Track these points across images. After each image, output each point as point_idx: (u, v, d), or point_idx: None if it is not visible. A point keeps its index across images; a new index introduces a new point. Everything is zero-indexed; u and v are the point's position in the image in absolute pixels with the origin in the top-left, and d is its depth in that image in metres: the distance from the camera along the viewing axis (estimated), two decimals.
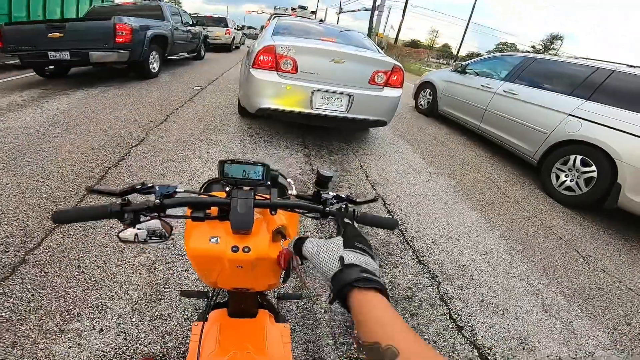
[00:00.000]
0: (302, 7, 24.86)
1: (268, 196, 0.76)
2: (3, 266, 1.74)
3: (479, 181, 3.93)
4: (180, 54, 8.81)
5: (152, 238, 0.70)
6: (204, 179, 2.86)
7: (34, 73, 6.21)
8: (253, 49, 3.85)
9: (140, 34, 6.10)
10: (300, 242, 0.64)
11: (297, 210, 0.76)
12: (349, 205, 0.76)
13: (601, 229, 3.34)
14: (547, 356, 1.75)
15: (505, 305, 2.05)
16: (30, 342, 1.40)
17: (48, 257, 1.84)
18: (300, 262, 0.69)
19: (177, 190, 0.71)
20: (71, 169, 2.79)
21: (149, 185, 0.69)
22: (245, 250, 0.68)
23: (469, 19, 29.75)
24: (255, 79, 3.50)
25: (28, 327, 1.45)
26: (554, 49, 49.20)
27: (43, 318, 1.50)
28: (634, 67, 3.97)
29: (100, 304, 1.60)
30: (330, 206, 0.75)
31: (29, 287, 1.64)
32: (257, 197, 0.71)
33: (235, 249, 0.68)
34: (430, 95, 7.04)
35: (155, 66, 6.96)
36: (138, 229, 0.68)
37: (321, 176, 0.76)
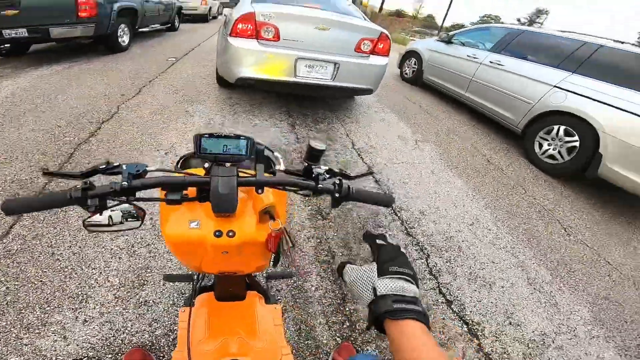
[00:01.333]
0: None
1: (253, 172, 0.66)
2: None
3: (465, 149, 3.86)
4: (152, 26, 8.26)
5: (123, 223, 0.62)
6: (182, 152, 2.64)
7: None
8: (230, 16, 3.56)
9: (106, 6, 5.51)
10: (341, 266, 0.59)
11: (286, 187, 0.68)
12: (343, 180, 0.68)
13: (581, 198, 3.35)
14: (532, 331, 1.72)
15: (492, 278, 2.01)
16: (13, 338, 1.29)
17: (19, 246, 1.65)
18: (291, 244, 0.61)
19: (147, 169, 0.62)
20: (36, 148, 2.49)
21: (114, 164, 0.60)
22: (230, 234, 0.61)
23: None
24: (233, 47, 3.26)
25: (8, 322, 1.33)
26: (539, 23, 49.02)
27: (23, 312, 1.38)
28: (622, 42, 3.95)
29: (80, 293, 1.47)
30: (322, 182, 0.66)
31: (2, 279, 1.48)
32: (240, 174, 0.62)
33: (218, 234, 0.61)
34: (415, 64, 6.87)
35: (125, 39, 6.40)
36: (110, 212, 0.60)
37: (312, 149, 0.67)
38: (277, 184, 0.66)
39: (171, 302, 1.47)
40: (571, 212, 3.02)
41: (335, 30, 3.40)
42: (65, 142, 2.60)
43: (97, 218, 0.59)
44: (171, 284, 1.55)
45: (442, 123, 4.63)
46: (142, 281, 1.55)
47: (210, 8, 15.46)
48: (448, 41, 6.10)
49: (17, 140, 2.57)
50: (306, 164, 0.69)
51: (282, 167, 0.77)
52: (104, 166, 0.59)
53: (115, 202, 0.58)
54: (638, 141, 3.05)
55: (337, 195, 0.66)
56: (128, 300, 1.46)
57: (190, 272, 1.28)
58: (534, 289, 2.01)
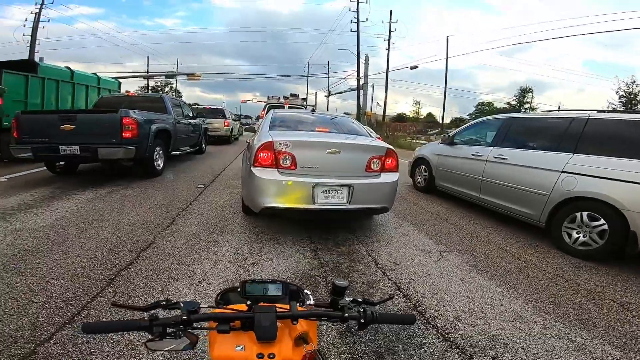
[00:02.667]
0: (294, 95, 27.55)
1: (287, 306, 0.91)
2: (12, 356, 1.98)
3: (491, 252, 4.27)
4: (182, 148, 9.36)
5: (179, 346, 0.84)
6: (213, 280, 3.14)
7: (45, 168, 6.93)
8: (252, 144, 4.27)
9: (145, 127, 6.69)
10: None
11: (316, 318, 0.94)
12: (367, 307, 0.94)
13: (631, 274, 3.66)
14: None
15: None
16: None
17: (59, 350, 2.06)
18: None
19: (200, 306, 0.88)
20: (81, 271, 3.12)
21: (173, 301, 0.87)
22: (270, 356, 0.81)
23: (445, 88, 33.08)
24: (257, 177, 3.86)
25: None
26: (527, 102, 53.51)
27: None
28: (604, 111, 4.50)
29: None
30: (348, 311, 0.92)
31: None
32: (278, 309, 0.87)
33: (260, 356, 0.81)
34: (425, 172, 7.50)
35: (160, 163, 7.54)
36: (166, 339, 0.82)
37: (336, 287, 0.96)
38: (309, 316, 0.91)
39: None
40: (624, 289, 3.32)
41: (345, 152, 4.01)
42: (107, 268, 3.23)
43: (157, 342, 0.80)
44: None
45: (463, 230, 5.14)
46: None
47: (232, 129, 17.54)
48: (451, 142, 6.76)
49: (64, 263, 3.26)
50: (332, 298, 0.96)
51: (311, 301, 1.01)
52: (164, 302, 0.85)
53: (174, 330, 0.81)
54: None
55: (362, 321, 0.90)
56: None
57: None
58: None
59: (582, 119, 4.44)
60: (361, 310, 0.92)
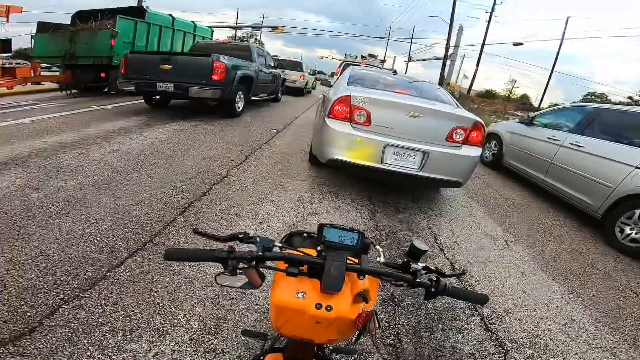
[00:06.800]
0: (372, 56, 26.29)
1: (356, 260, 0.81)
2: (86, 279, 2.00)
3: (564, 252, 3.67)
4: (261, 95, 9.51)
5: (246, 285, 0.76)
6: (274, 222, 3.11)
7: (143, 101, 7.69)
8: (329, 97, 3.99)
9: (232, 73, 6.89)
10: None
11: (385, 278, 0.81)
12: (439, 277, 0.82)
13: None
14: None
15: None
16: (86, 356, 1.52)
17: (127, 277, 2.08)
18: (377, 326, 0.73)
19: (275, 244, 0.80)
20: (160, 197, 3.25)
21: (250, 235, 0.79)
22: (328, 308, 0.72)
23: (551, 71, 28.64)
24: (329, 128, 3.63)
25: (90, 341, 1.59)
26: None
27: (106, 334, 1.64)
28: None
29: (162, 328, 1.74)
30: (420, 277, 0.81)
31: (103, 302, 1.84)
32: (348, 260, 0.78)
33: (318, 306, 0.72)
34: (495, 147, 6.98)
35: (240, 105, 7.78)
36: (237, 273, 0.75)
37: (415, 248, 0.84)
38: (380, 274, 0.79)
39: (237, 355, 1.64)
40: None
41: (427, 118, 3.55)
42: (183, 197, 3.33)
43: (227, 276, 0.74)
44: (243, 338, 1.75)
45: (537, 223, 4.43)
46: (218, 329, 1.78)
47: (307, 82, 17.46)
48: (529, 122, 6.16)
49: (148, 187, 3.44)
50: (406, 260, 0.84)
51: (382, 259, 0.90)
52: (242, 235, 0.77)
53: (246, 266, 0.74)
54: None
55: (432, 290, 0.79)
56: (200, 344, 1.67)
57: (264, 332, 1.49)
58: None
59: None
60: (433, 278, 0.80)
